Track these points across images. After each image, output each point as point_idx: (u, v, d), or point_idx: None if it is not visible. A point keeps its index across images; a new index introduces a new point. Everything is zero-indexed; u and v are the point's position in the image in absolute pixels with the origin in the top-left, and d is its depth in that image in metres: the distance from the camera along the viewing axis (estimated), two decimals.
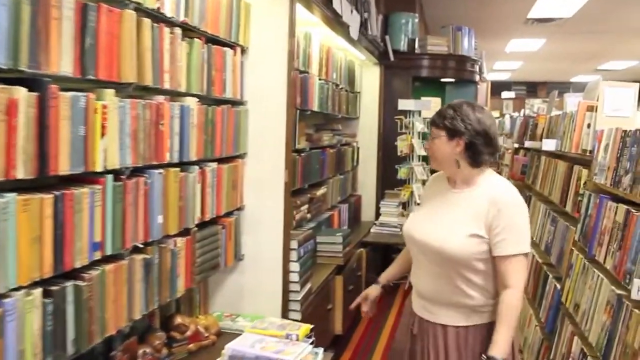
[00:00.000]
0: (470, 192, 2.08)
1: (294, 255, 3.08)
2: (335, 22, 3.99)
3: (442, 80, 6.86)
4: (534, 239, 3.47)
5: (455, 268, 2.02)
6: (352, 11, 4.24)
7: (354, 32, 4.38)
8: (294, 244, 3.07)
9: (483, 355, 1.96)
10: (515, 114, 14.24)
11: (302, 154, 3.94)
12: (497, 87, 17.33)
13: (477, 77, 7.17)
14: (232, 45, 2.78)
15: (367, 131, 6.19)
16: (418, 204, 2.78)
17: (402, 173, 5.93)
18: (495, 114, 16.97)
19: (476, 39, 6.95)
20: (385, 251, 6.02)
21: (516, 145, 5.08)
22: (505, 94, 18.17)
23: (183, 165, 2.34)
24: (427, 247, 2.06)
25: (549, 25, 9.18)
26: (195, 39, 2.39)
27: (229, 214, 2.84)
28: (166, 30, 2.14)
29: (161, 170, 2.12)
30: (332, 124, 5.15)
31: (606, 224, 1.99)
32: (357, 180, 6.12)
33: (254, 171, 2.97)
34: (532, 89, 19.49)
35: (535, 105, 19.15)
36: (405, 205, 6.00)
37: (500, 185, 2.08)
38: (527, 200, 3.96)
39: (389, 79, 6.37)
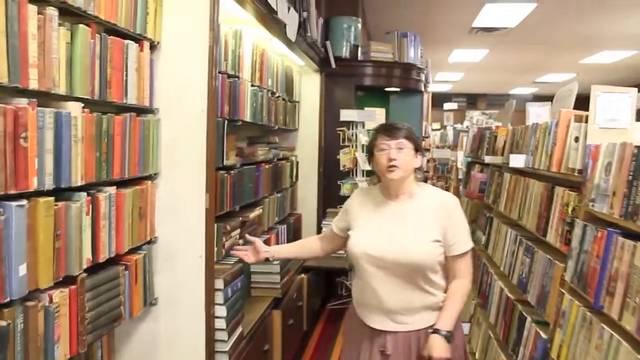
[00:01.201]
0: (415, 202, 2.22)
1: (219, 297, 2.52)
2: (270, 19, 3.47)
3: (387, 89, 6.44)
4: (500, 268, 3.02)
5: (421, 273, 2.14)
6: (289, 9, 3.73)
7: (292, 33, 3.87)
8: (219, 284, 2.52)
9: (429, 330, 2.16)
10: (458, 126, 14.08)
11: (232, 172, 3.39)
12: (438, 99, 17.19)
13: (423, 87, 6.78)
14: (137, 39, 2.22)
15: (307, 144, 5.68)
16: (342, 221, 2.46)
17: (345, 189, 5.46)
18: (436, 125, 16.84)
19: (422, 46, 6.56)
20: (329, 276, 5.51)
21: (469, 159, 4.66)
22: (447, 105, 18.05)
23: (62, 192, 1.76)
24: (390, 261, 2.13)
25: (493, 34, 8.95)
26: (81, 26, 1.82)
27: (135, 249, 2.26)
28: (31, 8, 1.56)
29: (23, 202, 1.53)
30: (268, 137, 4.61)
31: (618, 267, 1.53)
32: (297, 198, 5.60)
33: (168, 195, 2.40)
34: (472, 100, 19.50)
35: (475, 117, 19.20)
36: None
37: (439, 192, 2.31)
38: (488, 223, 3.51)
39: (330, 87, 5.89)
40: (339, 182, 5.46)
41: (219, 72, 3.10)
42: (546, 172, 2.39)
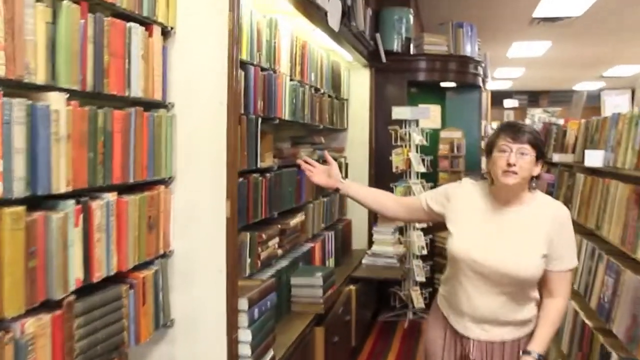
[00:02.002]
0: (527, 211, 2.08)
1: (243, 320, 2.19)
2: (309, 6, 3.15)
3: (442, 84, 6.03)
4: (574, 285, 2.59)
5: (521, 287, 2.04)
6: None
7: (334, 22, 3.53)
8: (243, 304, 2.19)
9: (521, 351, 2.05)
10: None
11: (268, 175, 3.07)
12: (498, 97, 16.49)
13: (481, 82, 6.32)
14: (145, 22, 1.92)
15: (357, 144, 5.34)
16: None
17: (398, 192, 5.07)
18: (496, 124, 16.14)
19: (478, 37, 6.11)
20: (380, 286, 5.14)
21: None
22: (508, 103, 17.30)
23: (45, 200, 1.48)
24: (493, 270, 2.03)
25: (556, 25, 8.37)
26: (66, 2, 1.53)
27: (145, 264, 1.97)
28: None
29: None
30: (313, 137, 4.28)
31: None
32: (346, 202, 5.24)
33: (186, 202, 2.10)
34: (534, 98, 18.66)
35: (537, 115, 18.40)
36: (403, 231, 5.13)
37: (553, 202, 2.15)
38: None
39: (381, 83, 5.53)
40: (391, 185, 5.09)
41: (251, 64, 2.80)
42: (633, 171, 1.97)
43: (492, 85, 13.30)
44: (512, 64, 12.53)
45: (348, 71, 5.24)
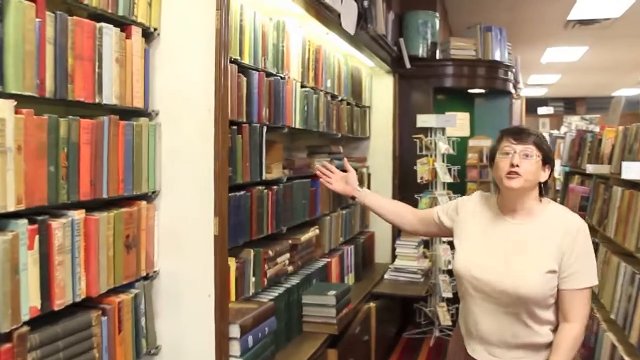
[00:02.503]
0: (536, 223, 1.94)
1: (235, 348, 2.00)
2: (319, 6, 2.96)
3: (470, 91, 5.77)
4: (611, 315, 2.32)
5: (526, 307, 1.88)
6: None
7: (349, 24, 3.33)
8: (234, 331, 1.99)
9: None
10: (555, 132, 13.01)
11: (276, 187, 2.88)
12: (532, 104, 16.06)
13: (512, 88, 6.05)
14: (123, 23, 1.76)
15: (380, 154, 5.11)
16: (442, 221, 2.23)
17: (423, 204, 4.83)
18: None
19: (509, 41, 5.85)
20: (405, 303, 4.89)
21: (567, 169, 3.92)
22: (542, 110, 16.82)
23: None
24: (495, 288, 1.90)
25: (593, 28, 8.02)
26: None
27: (127, 287, 1.79)
28: None
29: None
30: (330, 146, 4.08)
31: None
32: (368, 214, 5.01)
33: (171, 219, 1.92)
34: (570, 105, 18.14)
35: (574, 122, 17.88)
36: (428, 245, 4.88)
37: (567, 212, 1.99)
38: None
39: (405, 90, 5.30)
40: (416, 196, 4.86)
41: (255, 69, 2.63)
42: None
43: (526, 92, 12.92)
44: (547, 70, 12.15)
45: (370, 77, 5.03)
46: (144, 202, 1.85)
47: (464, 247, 2.06)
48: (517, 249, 1.92)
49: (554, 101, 17.59)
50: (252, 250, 2.64)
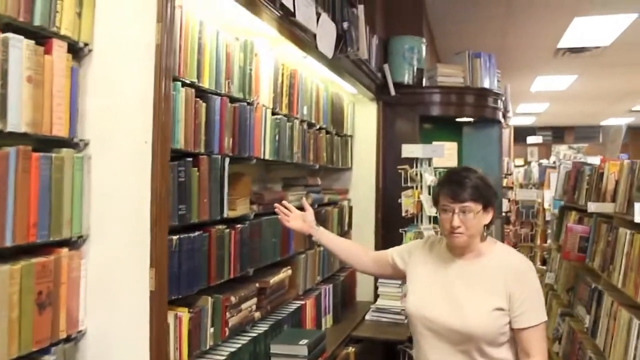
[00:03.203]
0: (483, 262, 2.02)
1: None
2: (289, 25, 2.68)
3: (458, 119, 5.52)
4: None
5: (476, 344, 1.92)
6: (318, 15, 2.93)
7: (325, 46, 3.06)
8: None
9: None
10: (544, 161, 12.81)
11: (240, 225, 2.58)
12: (521, 133, 15.91)
13: (502, 116, 5.80)
14: (43, 35, 1.46)
15: (363, 186, 4.82)
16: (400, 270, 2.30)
17: (408, 239, 4.52)
18: (519, 162, 15.56)
19: (498, 69, 5.62)
20: (387, 346, 4.55)
21: (561, 204, 3.64)
22: (531, 139, 16.67)
23: None
24: (445, 327, 1.95)
25: (583, 56, 7.85)
26: None
27: (42, 352, 1.47)
28: None
29: None
30: (307, 178, 3.79)
31: None
32: None
33: (102, 270, 1.61)
34: (558, 134, 18.05)
35: (562, 151, 17.76)
36: None
37: (511, 253, 2.09)
38: (594, 297, 2.48)
39: (390, 118, 5.03)
40: (400, 231, 4.55)
41: (216, 94, 2.34)
42: None
43: (514, 120, 12.75)
44: (536, 99, 12.01)
45: (352, 105, 4.76)
46: (65, 250, 1.54)
47: (416, 288, 2.13)
48: (466, 288, 1.98)
49: (542, 130, 17.48)
50: (209, 298, 2.32)
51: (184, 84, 2.11)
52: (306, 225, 2.45)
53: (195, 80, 2.19)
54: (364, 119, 4.84)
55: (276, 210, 2.49)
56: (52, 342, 1.50)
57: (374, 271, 2.50)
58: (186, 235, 2.12)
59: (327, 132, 4.02)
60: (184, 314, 2.12)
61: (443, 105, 5.18)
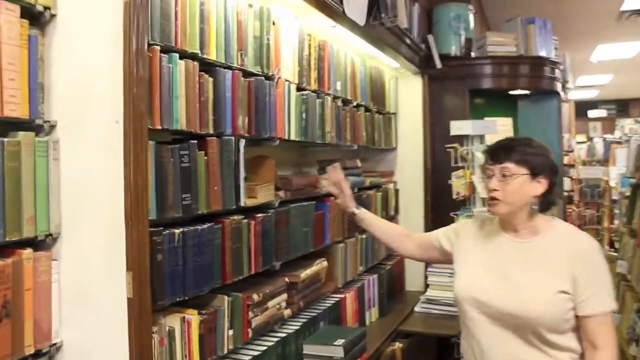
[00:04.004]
0: (540, 240, 1.85)
1: None
2: None
3: (512, 92, 5.09)
4: None
5: (537, 331, 1.76)
6: None
7: (355, 12, 2.74)
8: None
9: None
10: (608, 136, 12.08)
11: (261, 215, 2.31)
12: (581, 107, 15.06)
13: (561, 87, 5.33)
14: None
15: (409, 167, 4.49)
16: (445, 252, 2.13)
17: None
18: (581, 138, 14.78)
19: (555, 35, 5.15)
20: (439, 338, 4.23)
21: (633, 181, 3.21)
22: (593, 113, 15.78)
23: None
24: (500, 310, 1.79)
25: None
26: None
27: None
28: None
29: None
30: (345, 160, 3.48)
31: None
32: None
33: (77, 273, 1.36)
34: (623, 107, 17.03)
35: (627, 125, 16.79)
36: None
37: (573, 231, 1.90)
38: None
39: (437, 93, 4.67)
40: (451, 214, 4.20)
41: (226, 67, 2.07)
42: None
43: (574, 94, 12.05)
44: (598, 70, 11.27)
45: (395, 80, 4.42)
46: (27, 251, 1.29)
47: (464, 269, 1.97)
48: (523, 269, 1.82)
49: (605, 103, 16.53)
50: (226, 297, 2.07)
51: (183, 56, 1.85)
52: (350, 203, 2.33)
53: (197, 51, 1.92)
54: (408, 94, 4.50)
55: (322, 182, 2.48)
56: (14, 359, 1.27)
57: (419, 255, 2.33)
58: (192, 228, 1.87)
59: (367, 110, 3.71)
60: (193, 316, 1.88)
61: (495, 77, 4.77)
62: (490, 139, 4.51)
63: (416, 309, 3.91)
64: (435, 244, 2.16)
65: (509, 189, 1.80)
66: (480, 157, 4.23)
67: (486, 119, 4.68)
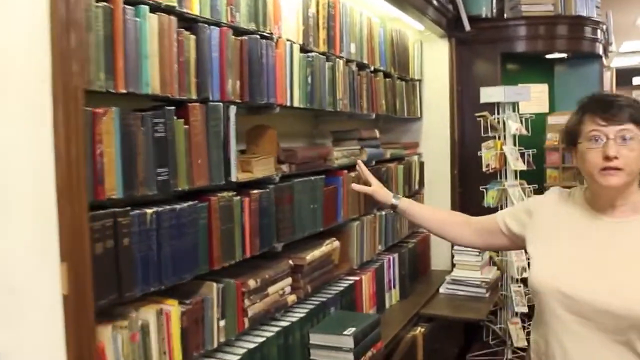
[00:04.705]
0: None
1: None
2: None
3: (548, 56, 4.72)
4: None
5: None
6: None
7: None
8: None
9: None
10: None
11: (257, 192, 2.05)
12: (624, 74, 14.33)
13: (603, 50, 4.93)
14: None
15: (435, 138, 4.19)
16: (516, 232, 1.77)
17: (489, 198, 3.91)
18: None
19: None
20: (462, 327, 3.96)
21: None
22: (638, 80, 15.04)
23: None
24: (594, 307, 1.44)
25: None
26: None
27: None
28: None
29: None
30: (361, 131, 3.19)
31: None
32: None
33: (2, 266, 1.13)
34: None
35: None
36: (497, 252, 3.92)
37: None
38: None
39: (465, 58, 4.35)
40: (481, 188, 3.93)
41: (212, 23, 1.81)
42: None
43: (616, 62, 11.44)
44: None
45: (420, 44, 4.10)
46: None
47: (544, 254, 1.62)
48: (623, 256, 1.49)
49: None
50: (214, 285, 1.83)
51: (155, 9, 1.60)
52: (384, 196, 2.03)
53: (174, 4, 1.66)
54: (434, 60, 4.17)
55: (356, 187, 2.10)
56: None
57: (481, 243, 1.97)
58: (169, 207, 1.63)
59: (387, 76, 3.41)
60: (173, 307, 1.66)
61: (529, 39, 4.41)
62: (525, 107, 4.20)
63: (441, 290, 3.65)
64: (502, 228, 1.81)
65: (630, 154, 1.47)
66: (512, 125, 3.92)
67: (520, 85, 4.35)
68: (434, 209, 2.14)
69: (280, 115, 2.26)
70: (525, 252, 1.74)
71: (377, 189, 2.04)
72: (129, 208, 1.49)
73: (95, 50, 1.40)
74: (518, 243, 1.78)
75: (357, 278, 2.86)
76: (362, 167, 2.09)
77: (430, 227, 2.01)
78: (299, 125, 3.06)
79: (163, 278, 1.61)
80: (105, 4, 1.43)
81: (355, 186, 2.07)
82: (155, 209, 1.58)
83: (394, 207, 2.01)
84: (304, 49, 2.38)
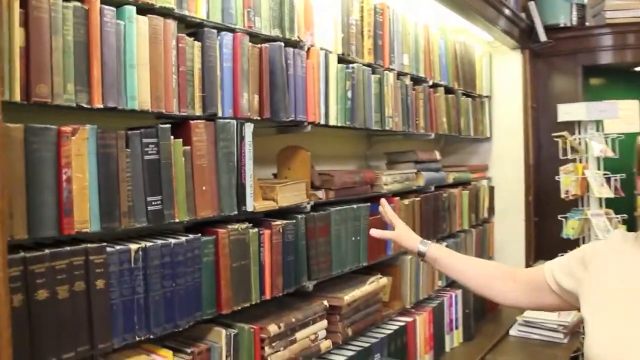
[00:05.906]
0: None
1: None
2: None
3: (638, 69, 4.23)
4: None
5: None
6: None
7: None
8: None
9: None
10: None
11: (281, 222, 1.78)
12: None
13: None
14: None
15: (507, 160, 3.80)
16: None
17: (569, 229, 3.46)
18: None
19: None
20: None
21: None
22: None
23: None
24: None
25: None
26: None
27: None
28: None
29: None
30: (417, 152, 2.86)
31: None
32: (491, 243, 3.72)
33: None
34: None
35: None
36: None
37: None
38: None
39: (541, 72, 3.96)
40: (559, 217, 3.49)
41: (228, 29, 1.57)
42: None
43: None
44: None
45: (489, 57, 3.74)
46: None
47: (603, 320, 1.26)
48: None
49: None
50: (223, 331, 1.56)
51: (146, 11, 1.37)
52: (410, 242, 1.63)
53: (172, 6, 1.43)
54: (505, 74, 3.81)
55: (375, 234, 1.68)
56: None
57: (527, 303, 1.54)
58: (160, 242, 1.38)
59: (449, 91, 3.09)
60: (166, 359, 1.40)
61: (616, 50, 3.95)
62: (611, 126, 3.74)
63: (511, 332, 3.22)
64: (550, 284, 1.43)
65: None
66: (596, 147, 3.47)
67: (605, 101, 3.90)
68: (471, 258, 1.71)
69: (321, 134, 2.00)
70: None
71: (401, 232, 1.67)
72: (104, 244, 1.25)
73: (62, 57, 1.18)
74: (571, 302, 1.39)
75: (410, 319, 2.52)
76: (385, 207, 1.71)
77: (466, 280, 1.60)
78: (349, 146, 2.79)
79: (152, 325, 1.35)
80: (77, 3, 1.21)
81: (375, 231, 1.68)
82: (143, 244, 1.34)
83: (421, 255, 1.63)
84: (343, 60, 2.10)
